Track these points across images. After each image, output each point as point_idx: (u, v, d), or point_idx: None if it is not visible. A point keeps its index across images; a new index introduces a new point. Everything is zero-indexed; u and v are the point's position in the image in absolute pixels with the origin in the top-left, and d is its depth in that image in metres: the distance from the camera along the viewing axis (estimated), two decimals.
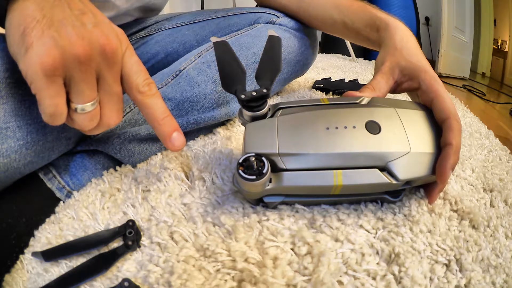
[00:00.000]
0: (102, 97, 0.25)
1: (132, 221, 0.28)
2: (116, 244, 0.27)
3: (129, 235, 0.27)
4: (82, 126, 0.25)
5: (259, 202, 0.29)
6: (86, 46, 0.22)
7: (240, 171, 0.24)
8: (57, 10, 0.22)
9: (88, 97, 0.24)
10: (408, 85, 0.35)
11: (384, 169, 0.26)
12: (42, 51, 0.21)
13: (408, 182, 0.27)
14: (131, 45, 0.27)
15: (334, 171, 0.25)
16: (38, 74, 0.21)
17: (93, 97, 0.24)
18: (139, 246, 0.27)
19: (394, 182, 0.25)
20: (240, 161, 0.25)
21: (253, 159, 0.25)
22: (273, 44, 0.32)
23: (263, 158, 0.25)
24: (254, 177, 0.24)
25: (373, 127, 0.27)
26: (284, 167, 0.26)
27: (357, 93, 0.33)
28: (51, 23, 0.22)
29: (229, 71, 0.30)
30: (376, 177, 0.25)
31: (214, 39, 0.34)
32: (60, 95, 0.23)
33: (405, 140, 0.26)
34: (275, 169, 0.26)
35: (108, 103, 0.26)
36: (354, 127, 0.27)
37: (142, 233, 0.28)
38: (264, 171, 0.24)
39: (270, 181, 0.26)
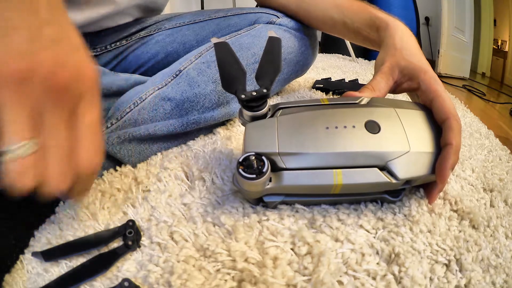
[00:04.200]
0: (46, 144, 0.19)
1: (132, 221, 0.28)
2: (116, 244, 0.27)
3: (129, 235, 0.27)
4: (14, 179, 0.18)
5: (259, 202, 0.29)
6: (23, 63, 0.17)
7: (240, 170, 0.24)
8: (20, 12, 0.18)
9: (16, 133, 0.17)
10: (407, 85, 0.35)
11: (384, 168, 0.26)
12: None
13: (408, 182, 0.27)
14: (97, 94, 0.21)
15: (334, 170, 0.25)
16: None
17: (24, 136, 0.18)
18: (139, 246, 0.27)
19: (393, 181, 0.25)
20: (240, 160, 0.25)
21: (253, 158, 0.25)
22: (273, 45, 0.32)
23: (263, 157, 0.25)
24: (254, 176, 0.24)
25: (372, 127, 0.27)
26: (284, 167, 0.26)
27: (356, 93, 0.33)
28: (1, 24, 0.17)
29: (229, 72, 0.30)
30: (376, 176, 0.25)
31: (214, 40, 0.34)
32: None
33: (404, 140, 0.26)
34: (275, 168, 0.26)
35: (53, 156, 0.19)
36: (353, 126, 0.27)
37: (142, 233, 0.28)
38: (264, 170, 0.24)
39: (270, 181, 0.26)
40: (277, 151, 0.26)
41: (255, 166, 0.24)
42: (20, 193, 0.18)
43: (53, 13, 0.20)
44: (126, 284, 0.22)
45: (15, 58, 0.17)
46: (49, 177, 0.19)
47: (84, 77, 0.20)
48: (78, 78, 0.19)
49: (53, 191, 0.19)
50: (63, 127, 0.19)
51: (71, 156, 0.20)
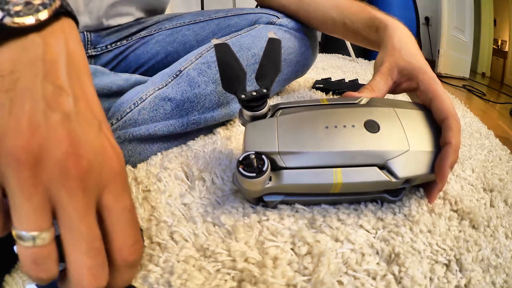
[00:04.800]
0: (66, 238, 0.16)
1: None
2: None
3: None
4: (27, 269, 0.16)
5: (259, 202, 0.29)
6: (35, 140, 0.14)
7: (240, 169, 0.24)
8: (30, 72, 0.16)
9: (31, 224, 0.15)
10: (407, 86, 0.36)
11: (384, 167, 0.26)
12: None
13: (407, 181, 0.27)
14: (125, 180, 0.18)
15: (334, 169, 0.25)
16: None
17: (41, 226, 0.15)
18: None
19: (393, 180, 0.25)
20: (240, 159, 0.25)
21: (253, 157, 0.25)
22: (273, 46, 0.33)
23: (263, 156, 0.25)
24: (254, 174, 0.24)
25: (372, 126, 0.27)
26: (284, 166, 0.26)
27: (356, 94, 0.33)
28: (12, 86, 0.15)
29: (230, 72, 0.30)
30: (376, 175, 0.25)
31: (215, 41, 0.34)
32: None
33: (404, 139, 0.27)
34: (275, 167, 0.26)
35: (74, 248, 0.16)
36: (353, 126, 0.27)
37: (143, 239, 0.27)
38: (264, 168, 0.24)
39: (270, 180, 0.26)
40: (277, 150, 0.26)
41: (255, 165, 0.25)
42: (40, 283, 0.16)
43: (73, 79, 0.17)
44: None
45: (25, 132, 0.14)
46: (77, 277, 0.16)
47: (107, 165, 0.17)
48: (100, 165, 0.16)
49: (79, 279, 0.16)
50: (81, 219, 0.16)
51: (100, 248, 0.17)
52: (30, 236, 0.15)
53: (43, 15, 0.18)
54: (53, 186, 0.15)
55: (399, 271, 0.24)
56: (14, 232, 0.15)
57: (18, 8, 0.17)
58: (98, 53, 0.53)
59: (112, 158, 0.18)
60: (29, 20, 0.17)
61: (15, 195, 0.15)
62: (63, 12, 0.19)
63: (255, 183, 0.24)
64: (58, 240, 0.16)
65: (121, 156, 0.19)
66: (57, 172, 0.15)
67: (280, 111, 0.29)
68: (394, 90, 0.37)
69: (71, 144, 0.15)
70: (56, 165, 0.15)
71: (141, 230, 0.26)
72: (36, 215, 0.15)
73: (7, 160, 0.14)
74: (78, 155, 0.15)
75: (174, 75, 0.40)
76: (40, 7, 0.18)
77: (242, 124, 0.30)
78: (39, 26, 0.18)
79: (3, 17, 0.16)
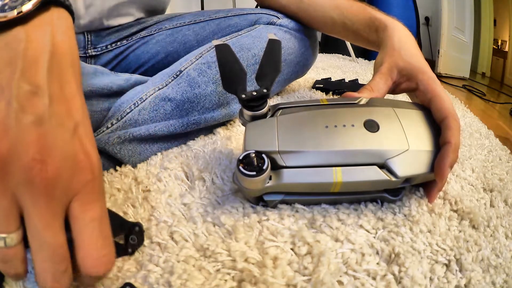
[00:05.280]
0: (31, 242, 0.16)
1: (140, 225, 0.26)
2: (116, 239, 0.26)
3: (131, 241, 0.25)
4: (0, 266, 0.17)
5: (259, 201, 0.29)
6: (2, 146, 0.14)
7: (240, 168, 0.24)
8: (8, 70, 0.15)
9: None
10: (406, 86, 0.36)
11: (383, 166, 0.26)
12: None
13: (407, 180, 0.27)
14: (99, 186, 0.18)
15: (334, 168, 0.25)
16: None
17: (7, 229, 0.15)
18: (132, 253, 0.26)
19: (393, 179, 0.25)
20: (241, 157, 0.25)
21: (253, 155, 0.25)
22: (273, 46, 0.33)
23: (263, 155, 0.25)
24: (254, 173, 0.24)
25: (371, 126, 0.27)
26: (284, 165, 0.26)
27: (355, 94, 0.33)
28: None
29: (230, 72, 0.30)
30: (375, 174, 0.25)
31: (215, 41, 0.34)
32: None
33: (403, 138, 0.27)
34: (275, 166, 0.26)
35: (38, 254, 0.16)
36: (352, 125, 0.27)
37: (143, 240, 0.27)
38: (264, 167, 0.24)
39: (270, 179, 0.26)
40: (277, 149, 0.26)
41: (255, 163, 0.25)
42: (12, 279, 0.17)
43: (53, 76, 0.17)
44: None
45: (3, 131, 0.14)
46: (41, 279, 0.16)
47: (80, 170, 0.16)
48: (69, 172, 0.16)
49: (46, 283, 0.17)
50: (45, 227, 0.15)
51: (64, 255, 0.17)
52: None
53: (27, 6, 0.17)
54: (18, 192, 0.15)
55: (399, 271, 0.24)
56: None
57: (5, 1, 0.17)
58: (98, 53, 0.53)
59: (84, 165, 0.17)
60: (11, 14, 0.17)
61: None
62: (53, 2, 0.19)
63: (255, 181, 0.24)
64: None
65: (95, 162, 0.18)
66: (22, 178, 0.15)
67: (280, 111, 0.29)
68: (393, 90, 0.37)
69: (39, 150, 0.15)
70: (22, 171, 0.15)
71: (140, 229, 0.26)
72: (3, 219, 0.15)
73: None
74: (44, 162, 0.15)
75: (174, 75, 0.40)
76: None
77: (242, 124, 0.30)
78: (23, 19, 0.17)
79: None
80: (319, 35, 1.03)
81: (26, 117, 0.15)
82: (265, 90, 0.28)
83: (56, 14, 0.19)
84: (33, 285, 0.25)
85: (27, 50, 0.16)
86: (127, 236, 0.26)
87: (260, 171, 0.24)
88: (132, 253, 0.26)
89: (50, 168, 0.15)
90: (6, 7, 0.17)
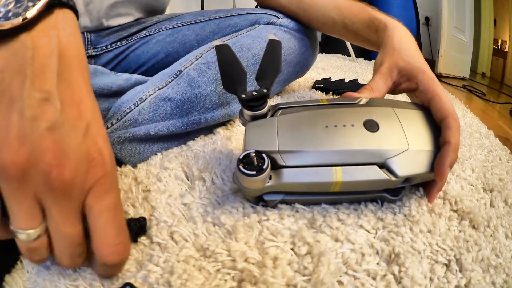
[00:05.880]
0: (51, 232, 0.18)
1: (144, 218, 0.27)
2: None
3: (133, 225, 0.26)
4: (24, 255, 0.19)
5: (259, 201, 0.29)
6: (22, 155, 0.15)
7: (240, 167, 0.24)
8: (17, 79, 0.16)
9: (22, 224, 0.17)
10: (406, 86, 0.36)
11: (383, 166, 0.26)
12: None
13: (407, 180, 0.27)
14: (113, 177, 0.19)
15: (334, 167, 0.25)
16: None
17: (31, 226, 0.17)
18: (135, 241, 0.26)
19: (393, 178, 0.25)
20: (241, 157, 0.25)
21: (253, 155, 0.25)
22: (273, 47, 0.33)
23: (263, 155, 0.25)
24: (254, 172, 0.24)
25: (371, 126, 0.27)
26: (284, 164, 0.26)
27: (355, 94, 0.33)
28: (0, 95, 0.16)
29: (230, 72, 0.30)
30: (375, 174, 0.25)
31: (216, 42, 0.34)
32: None
33: (403, 138, 0.27)
34: (275, 166, 0.26)
35: (58, 242, 0.19)
36: (352, 125, 0.27)
37: (146, 231, 0.27)
38: (264, 167, 0.24)
39: (270, 178, 0.26)
40: (277, 149, 0.26)
41: (255, 163, 0.25)
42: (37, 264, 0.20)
43: (63, 80, 0.17)
44: None
45: (13, 146, 0.15)
46: (59, 260, 0.19)
47: (93, 168, 0.18)
48: (84, 171, 0.17)
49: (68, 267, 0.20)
50: (64, 221, 0.18)
51: (80, 243, 0.19)
52: (23, 233, 0.17)
53: (31, 12, 0.17)
54: (39, 193, 0.17)
55: (399, 271, 0.24)
56: (11, 228, 0.18)
57: (8, 7, 0.17)
58: (98, 53, 0.53)
59: (97, 162, 0.18)
60: (16, 21, 0.17)
61: (8, 200, 0.17)
62: (58, 4, 0.19)
63: (255, 181, 0.24)
64: None
65: (107, 158, 0.19)
66: (42, 182, 0.16)
67: (280, 111, 0.29)
68: (393, 90, 0.37)
69: (55, 155, 0.16)
70: (41, 176, 0.16)
71: (144, 222, 0.26)
72: (26, 217, 0.17)
73: None
74: (60, 166, 0.16)
75: (174, 75, 0.40)
76: (29, 4, 0.17)
77: (242, 124, 0.30)
78: (28, 25, 0.17)
79: None
80: (319, 35, 1.03)
81: (40, 125, 0.16)
82: (265, 90, 0.28)
83: (61, 16, 0.19)
84: (33, 285, 0.25)
85: (35, 57, 0.17)
86: (129, 225, 0.26)
87: (260, 170, 0.24)
88: (135, 241, 0.26)
89: (67, 171, 0.16)
90: (10, 14, 0.17)
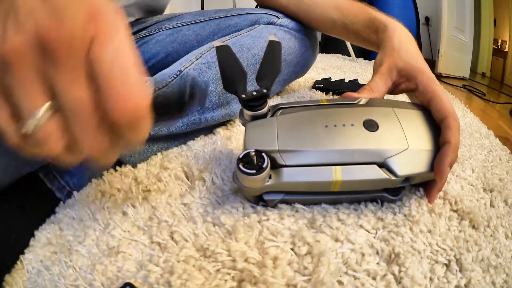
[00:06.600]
0: (62, 108, 0.17)
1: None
2: None
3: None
4: (42, 150, 0.17)
5: (259, 201, 0.29)
6: (16, 40, 0.15)
7: (240, 166, 0.24)
8: None
9: (29, 104, 0.16)
10: (405, 86, 0.36)
11: (383, 165, 0.26)
12: None
13: (407, 179, 0.27)
14: (116, 19, 0.17)
15: (333, 167, 0.25)
16: None
17: (35, 104, 0.16)
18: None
19: (393, 178, 0.25)
20: (241, 156, 0.25)
21: (253, 154, 0.25)
22: (273, 47, 0.33)
23: (263, 154, 0.25)
24: (254, 171, 0.24)
25: (371, 125, 0.27)
26: (284, 164, 0.26)
27: (355, 94, 0.33)
28: None
29: (230, 73, 0.30)
30: (375, 173, 0.25)
31: (216, 42, 0.34)
32: None
33: (403, 137, 0.27)
34: (275, 165, 0.26)
35: (71, 116, 0.17)
36: (352, 125, 0.27)
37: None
38: (264, 166, 0.24)
39: (270, 178, 0.26)
40: (277, 148, 0.26)
41: (255, 162, 0.25)
42: (53, 160, 0.18)
43: None
44: None
45: (9, 37, 0.15)
46: (80, 140, 0.17)
47: (89, 18, 0.16)
48: (81, 22, 0.16)
49: (85, 155, 0.17)
50: (72, 83, 0.16)
51: (96, 111, 0.17)
52: (32, 118, 0.16)
53: None
54: (40, 64, 0.16)
55: (399, 271, 0.24)
56: (22, 128, 0.16)
57: None
58: None
59: (96, 11, 0.16)
60: None
61: (13, 89, 0.16)
62: None
63: (255, 180, 0.24)
64: None
65: (102, 4, 0.17)
66: (40, 50, 0.15)
67: (280, 111, 0.30)
68: (393, 90, 0.37)
69: (47, 21, 0.15)
70: (37, 45, 0.15)
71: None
72: (32, 95, 0.16)
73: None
74: (52, 29, 0.15)
75: (174, 75, 0.40)
76: None
77: (242, 124, 0.30)
78: None
79: None
80: (319, 35, 1.03)
81: (34, 4, 0.15)
82: (265, 90, 0.28)
83: None
84: (33, 285, 0.25)
85: None
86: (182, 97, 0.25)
87: (260, 169, 0.24)
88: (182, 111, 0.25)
89: (61, 31, 0.15)
90: None
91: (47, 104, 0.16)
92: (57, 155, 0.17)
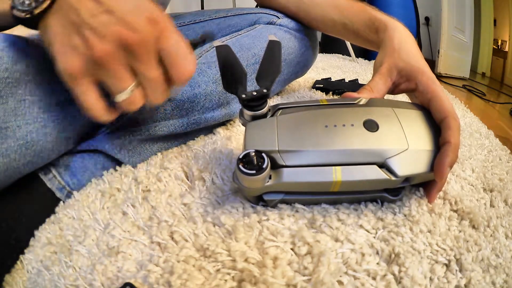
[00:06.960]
0: (142, 82, 0.25)
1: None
2: None
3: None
4: (128, 108, 0.26)
5: (259, 201, 0.29)
6: (104, 47, 0.22)
7: (240, 166, 0.24)
8: (72, 15, 0.22)
9: (120, 88, 0.25)
10: (405, 86, 0.36)
11: (383, 165, 0.26)
12: (63, 61, 0.23)
13: (407, 179, 0.27)
14: (171, 25, 0.25)
15: (333, 167, 0.25)
16: (65, 79, 0.24)
17: (125, 86, 0.25)
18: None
19: (393, 178, 0.25)
20: (241, 156, 0.25)
21: (253, 154, 0.25)
22: (273, 47, 0.33)
23: (263, 154, 0.25)
24: (254, 171, 0.24)
25: (371, 125, 0.27)
26: (284, 164, 0.26)
27: (355, 94, 0.33)
28: (69, 32, 0.22)
29: (231, 73, 0.30)
30: (375, 173, 0.25)
31: (216, 42, 0.34)
32: (88, 93, 0.24)
33: (403, 138, 0.27)
34: (275, 165, 0.26)
35: (148, 88, 0.26)
36: (352, 125, 0.27)
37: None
38: (264, 166, 0.24)
39: (270, 178, 0.26)
40: (277, 148, 0.26)
41: (255, 162, 0.25)
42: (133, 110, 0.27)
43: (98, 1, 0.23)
44: None
45: (95, 45, 0.22)
46: (152, 98, 0.26)
47: (154, 23, 0.24)
48: (150, 27, 0.23)
49: (155, 103, 0.27)
50: (149, 68, 0.24)
51: (163, 81, 0.26)
52: (123, 93, 0.25)
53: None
54: (127, 60, 0.24)
55: (399, 271, 0.24)
56: (113, 98, 0.25)
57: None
58: None
59: (155, 17, 0.24)
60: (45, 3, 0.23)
61: (107, 79, 0.24)
62: None
63: (255, 180, 0.24)
64: None
65: (159, 11, 0.25)
66: (126, 51, 0.23)
67: (280, 111, 0.29)
68: (393, 90, 0.37)
69: (125, 31, 0.22)
70: (123, 48, 0.23)
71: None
72: (122, 80, 0.24)
73: (95, 65, 0.23)
74: (131, 36, 0.22)
75: None
76: None
77: (242, 124, 0.30)
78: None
79: None
80: (319, 35, 1.03)
81: (106, 22, 0.22)
82: (265, 90, 0.28)
83: None
84: (33, 285, 0.25)
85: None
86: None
87: (260, 169, 0.24)
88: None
89: (136, 38, 0.23)
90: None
91: (132, 84, 0.25)
92: (137, 107, 0.26)
